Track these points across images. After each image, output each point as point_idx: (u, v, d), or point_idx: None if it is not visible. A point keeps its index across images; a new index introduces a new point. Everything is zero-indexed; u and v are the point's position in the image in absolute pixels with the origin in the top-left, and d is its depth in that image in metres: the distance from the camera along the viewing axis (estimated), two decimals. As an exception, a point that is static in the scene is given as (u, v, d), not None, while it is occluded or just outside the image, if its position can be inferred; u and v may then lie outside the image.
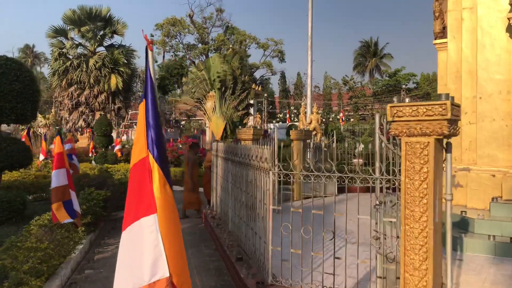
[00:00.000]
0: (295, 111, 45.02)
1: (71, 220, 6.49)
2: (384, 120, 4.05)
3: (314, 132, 19.16)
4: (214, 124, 32.97)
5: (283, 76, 62.19)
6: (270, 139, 10.54)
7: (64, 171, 6.45)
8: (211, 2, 64.70)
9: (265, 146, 5.09)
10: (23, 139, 13.39)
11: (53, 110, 39.81)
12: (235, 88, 30.40)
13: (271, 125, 45.10)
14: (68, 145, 11.10)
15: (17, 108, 9.40)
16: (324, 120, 40.00)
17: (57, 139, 6.59)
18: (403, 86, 45.77)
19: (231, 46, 47.80)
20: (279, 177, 4.92)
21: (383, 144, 4.26)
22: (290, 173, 4.83)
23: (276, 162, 4.92)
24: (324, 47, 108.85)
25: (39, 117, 33.57)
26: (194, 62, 43.58)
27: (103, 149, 24.71)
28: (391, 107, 3.35)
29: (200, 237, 8.87)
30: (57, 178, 6.35)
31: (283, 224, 4.75)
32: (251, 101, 32.95)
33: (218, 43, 49.88)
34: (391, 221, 4.16)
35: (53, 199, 6.29)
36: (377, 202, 4.19)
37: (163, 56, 52.46)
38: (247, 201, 6.12)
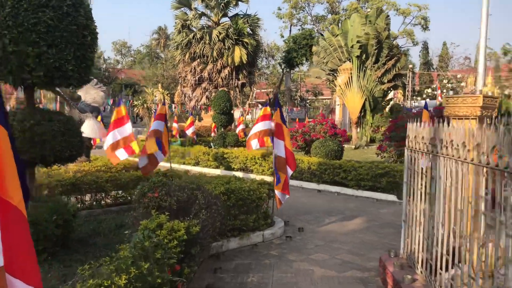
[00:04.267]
0: (449, 85, 36.88)
1: None
2: None
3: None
4: (349, 101, 27.37)
5: (425, 47, 53.85)
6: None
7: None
8: (343, -33, 58.96)
9: None
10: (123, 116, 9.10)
11: (178, 88, 38.54)
12: (379, 55, 24.32)
13: (415, 103, 37.93)
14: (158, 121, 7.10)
15: (47, 56, 5.09)
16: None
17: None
18: None
19: (368, 11, 41.53)
20: None
21: None
22: None
23: None
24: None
25: (158, 91, 31.76)
26: (322, 35, 38.51)
27: (222, 129, 21.35)
28: None
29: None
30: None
31: None
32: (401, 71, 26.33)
33: (350, 12, 44.17)
34: None
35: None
36: None
37: (290, 30, 48.31)
38: None
